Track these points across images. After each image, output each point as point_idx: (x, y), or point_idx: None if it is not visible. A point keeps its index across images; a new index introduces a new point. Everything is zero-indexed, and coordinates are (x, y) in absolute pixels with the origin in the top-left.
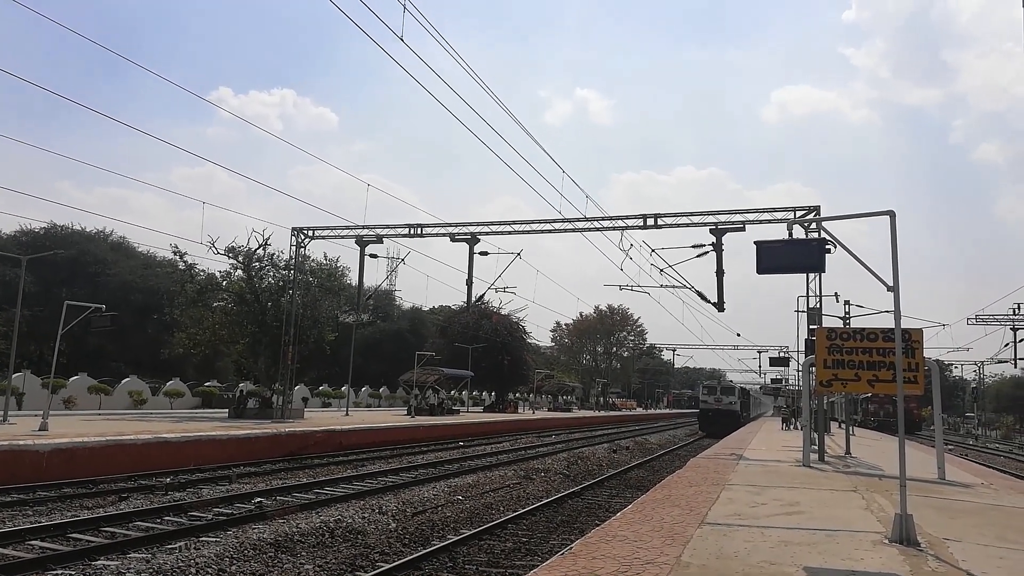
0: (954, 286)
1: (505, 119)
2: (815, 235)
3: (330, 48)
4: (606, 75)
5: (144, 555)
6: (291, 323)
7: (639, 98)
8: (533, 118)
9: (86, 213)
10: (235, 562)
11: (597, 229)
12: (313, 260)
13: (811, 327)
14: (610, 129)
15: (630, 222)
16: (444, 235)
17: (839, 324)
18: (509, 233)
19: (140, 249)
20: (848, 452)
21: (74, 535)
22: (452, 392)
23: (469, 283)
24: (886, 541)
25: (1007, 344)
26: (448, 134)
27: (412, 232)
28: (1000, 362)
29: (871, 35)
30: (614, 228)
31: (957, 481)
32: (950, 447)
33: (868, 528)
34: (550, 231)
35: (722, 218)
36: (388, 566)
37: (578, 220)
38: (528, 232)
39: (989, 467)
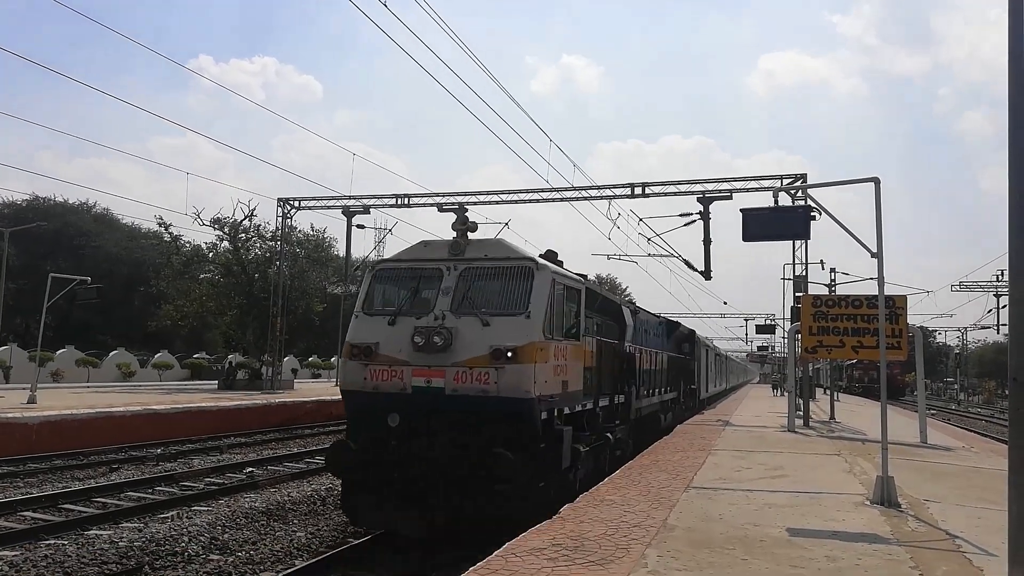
0: (939, 252)
1: (492, 87)
2: (801, 203)
3: (312, 14)
4: (593, 42)
5: (136, 524)
6: (279, 294)
7: (626, 66)
8: (519, 86)
9: (68, 184)
10: (227, 530)
11: (585, 198)
12: (300, 231)
13: (797, 294)
14: (597, 97)
15: (617, 191)
16: (431, 205)
17: (825, 291)
18: (497, 203)
19: (124, 221)
20: (832, 417)
21: (66, 506)
22: None
23: None
24: (867, 503)
25: (990, 310)
26: (434, 103)
27: (399, 202)
28: (983, 328)
29: (858, 1)
30: (602, 197)
31: (939, 445)
32: (933, 412)
33: (850, 490)
34: (538, 200)
35: (709, 187)
36: (380, 531)
37: (566, 189)
38: (516, 202)
39: (971, 431)
